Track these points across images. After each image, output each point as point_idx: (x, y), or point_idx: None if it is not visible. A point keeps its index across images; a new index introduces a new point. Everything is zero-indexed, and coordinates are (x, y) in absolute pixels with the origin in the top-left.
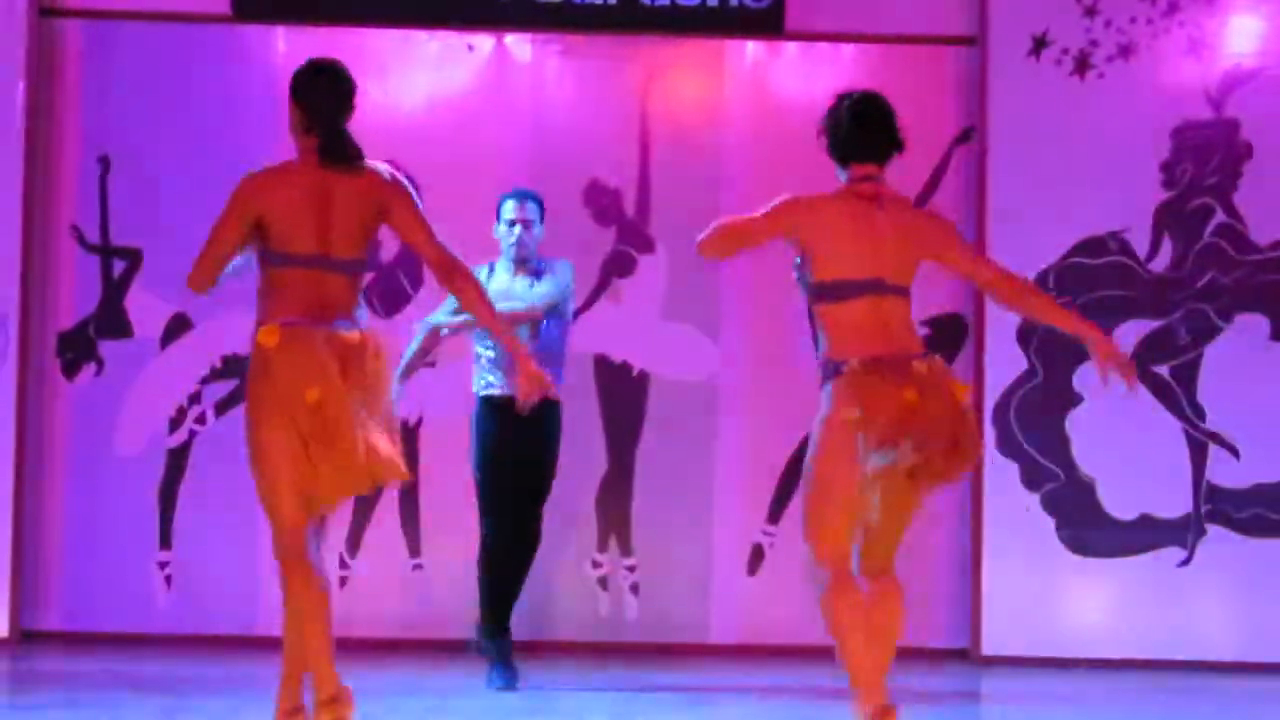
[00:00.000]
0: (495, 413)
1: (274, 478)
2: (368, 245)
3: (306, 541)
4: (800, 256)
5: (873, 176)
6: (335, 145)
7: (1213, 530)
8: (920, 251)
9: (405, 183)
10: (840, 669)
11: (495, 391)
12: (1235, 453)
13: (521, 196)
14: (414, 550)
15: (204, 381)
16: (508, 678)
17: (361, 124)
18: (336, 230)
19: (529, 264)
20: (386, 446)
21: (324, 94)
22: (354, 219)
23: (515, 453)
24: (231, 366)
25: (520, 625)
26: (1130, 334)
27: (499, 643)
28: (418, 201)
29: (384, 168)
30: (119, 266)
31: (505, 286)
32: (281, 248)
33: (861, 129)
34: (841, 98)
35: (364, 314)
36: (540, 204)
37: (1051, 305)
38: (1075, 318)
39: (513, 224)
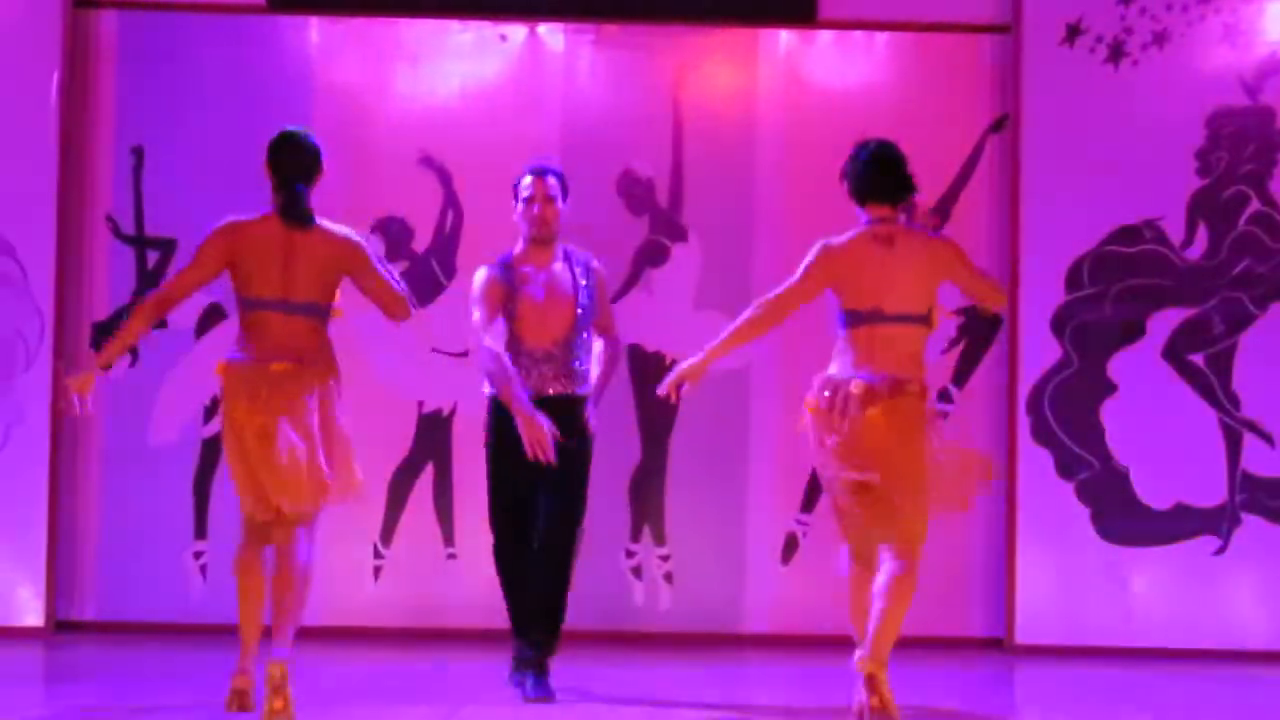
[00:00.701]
0: (508, 416)
1: (236, 484)
2: (329, 291)
3: (258, 539)
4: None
5: (886, 218)
6: (290, 208)
7: (1247, 519)
8: (934, 277)
9: (361, 243)
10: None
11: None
12: (1270, 441)
13: (541, 171)
14: (448, 539)
15: None
16: (520, 683)
17: (395, 114)
18: (298, 277)
19: (552, 245)
20: (325, 468)
21: (285, 161)
22: (314, 269)
23: (531, 462)
24: None
25: None
26: (1165, 322)
27: (520, 644)
28: (371, 256)
29: (340, 230)
30: (153, 257)
31: (545, 278)
32: (248, 292)
33: (877, 175)
34: (860, 147)
35: (328, 352)
36: (562, 180)
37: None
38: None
39: (531, 200)
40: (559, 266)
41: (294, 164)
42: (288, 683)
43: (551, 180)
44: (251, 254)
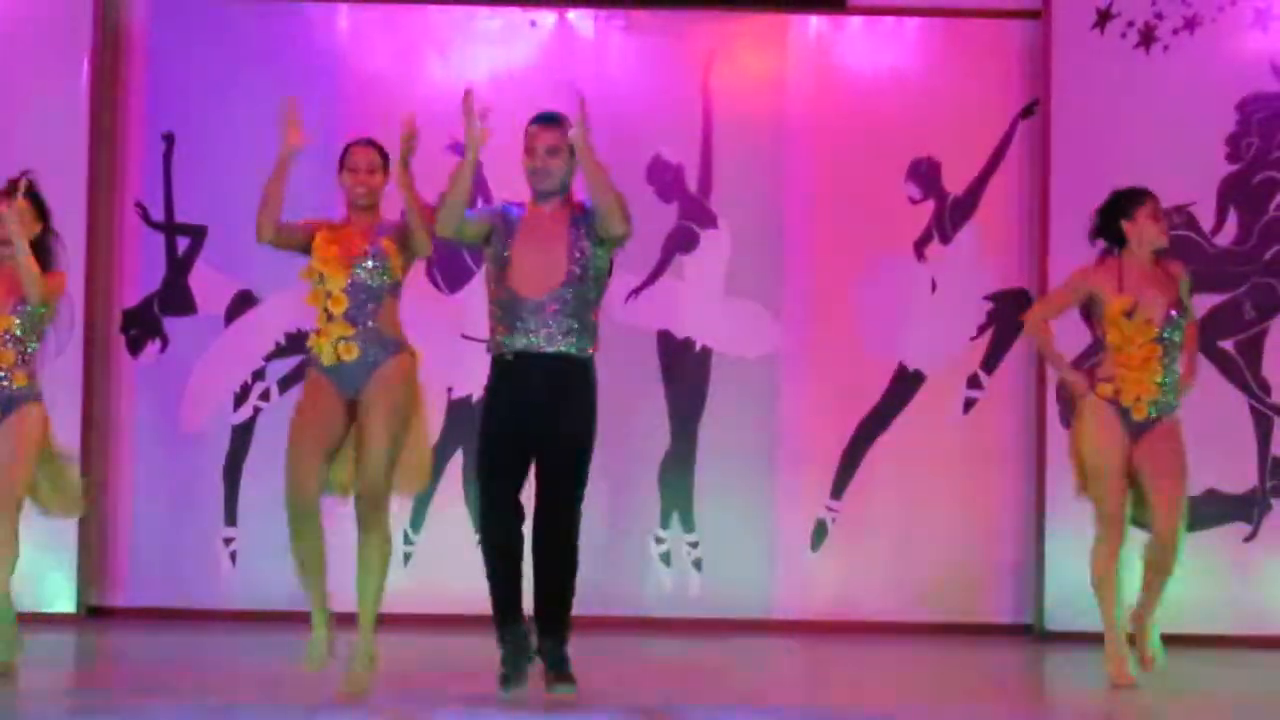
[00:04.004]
0: (506, 374)
1: None
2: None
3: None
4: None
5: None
6: None
7: (1278, 505)
8: None
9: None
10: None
11: (504, 351)
12: None
13: (548, 120)
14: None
15: (268, 358)
16: (506, 678)
17: (423, 101)
18: None
19: (557, 198)
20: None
21: None
22: None
23: (529, 416)
24: (295, 342)
25: (584, 601)
26: (1195, 308)
27: (508, 633)
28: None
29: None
30: (183, 244)
31: (542, 238)
32: None
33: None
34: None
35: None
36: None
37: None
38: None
39: (532, 151)
40: (572, 223)
41: None
42: None
43: (561, 132)
44: None
